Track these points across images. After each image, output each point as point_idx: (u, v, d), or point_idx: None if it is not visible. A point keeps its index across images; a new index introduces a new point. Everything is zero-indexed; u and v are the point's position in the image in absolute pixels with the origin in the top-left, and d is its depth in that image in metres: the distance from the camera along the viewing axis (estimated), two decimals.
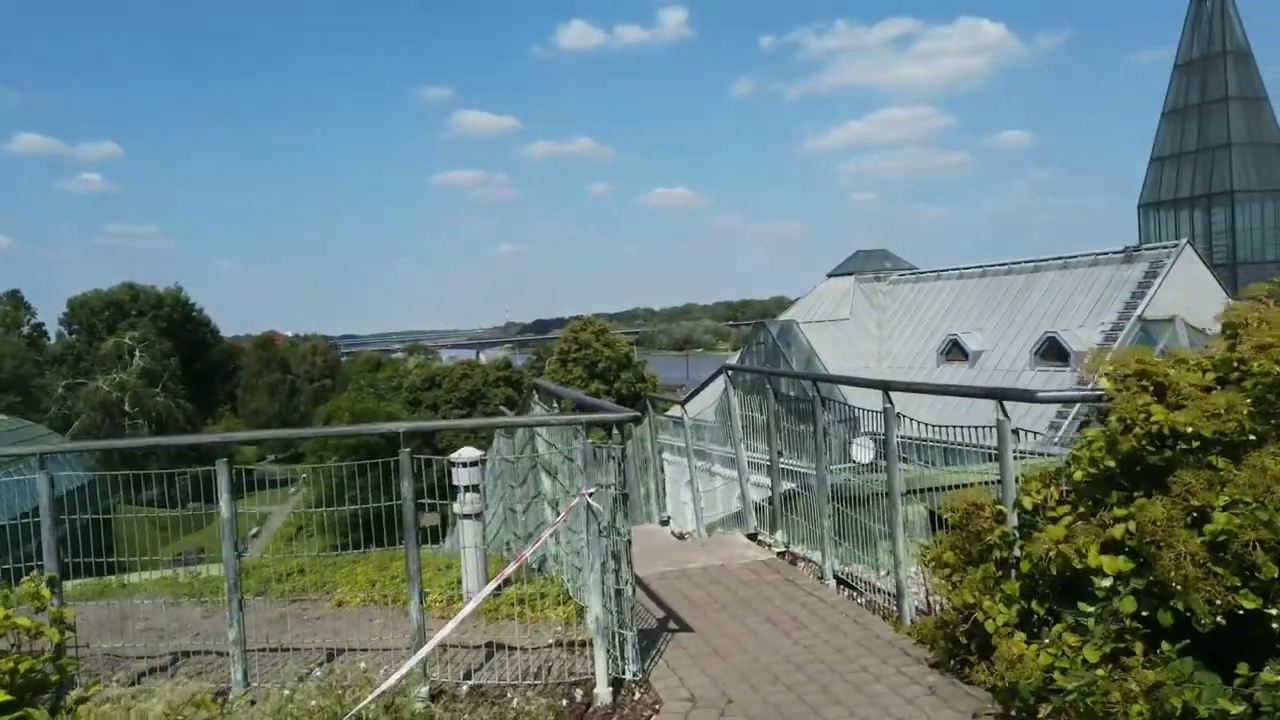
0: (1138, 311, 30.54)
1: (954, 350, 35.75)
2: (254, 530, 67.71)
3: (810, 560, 6.73)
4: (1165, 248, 32.44)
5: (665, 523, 9.24)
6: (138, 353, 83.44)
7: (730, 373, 7.69)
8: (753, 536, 7.36)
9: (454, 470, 6.46)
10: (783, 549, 7.02)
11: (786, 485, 7.32)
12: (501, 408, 40.86)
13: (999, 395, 4.96)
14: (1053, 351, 31.89)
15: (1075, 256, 35.09)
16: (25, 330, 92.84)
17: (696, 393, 9.47)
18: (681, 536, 8.70)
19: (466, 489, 6.20)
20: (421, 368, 75.70)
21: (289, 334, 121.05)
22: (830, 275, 43.67)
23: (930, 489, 6.01)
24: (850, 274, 42.33)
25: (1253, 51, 34.95)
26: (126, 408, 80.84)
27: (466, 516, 6.22)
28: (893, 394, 5.90)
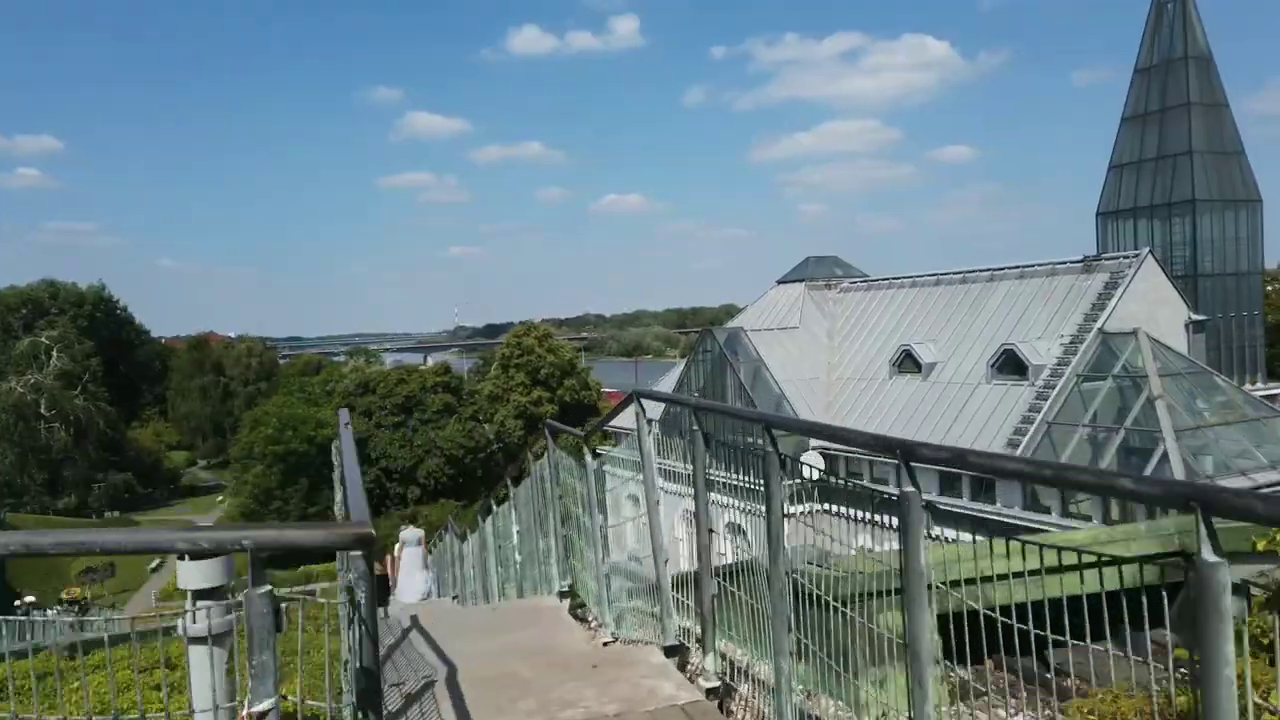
0: (1098, 324, 29.16)
1: (907, 361, 34.14)
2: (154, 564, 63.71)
3: (762, 692, 4.28)
4: (1126, 257, 31.16)
5: (565, 595, 7.06)
6: (55, 352, 79.04)
7: (640, 400, 5.43)
8: (674, 652, 5.01)
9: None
10: (716, 683, 4.56)
11: (730, 558, 5.13)
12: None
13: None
14: (1010, 364, 30.39)
15: (1033, 265, 33.74)
16: None
17: (602, 424, 6.69)
18: (586, 622, 6.50)
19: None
20: (356, 371, 72.51)
21: (231, 335, 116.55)
22: (780, 282, 41.95)
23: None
24: (800, 280, 40.64)
25: (1214, 57, 33.95)
26: (43, 410, 76.46)
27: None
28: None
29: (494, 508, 10.47)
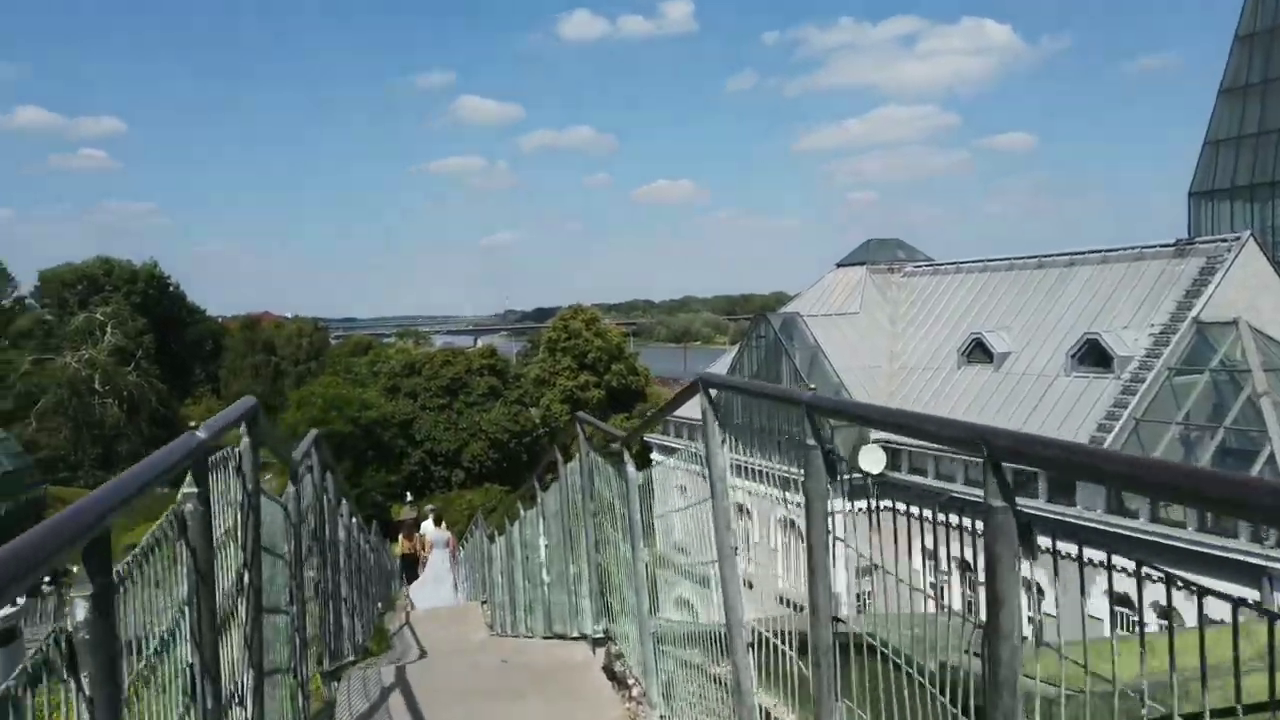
0: (1193, 312, 26.65)
1: (977, 350, 31.87)
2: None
3: None
4: (1223, 240, 28.52)
5: (600, 642, 5.39)
6: (109, 329, 79.71)
7: (713, 393, 3.46)
8: None
9: None
10: None
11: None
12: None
13: None
14: (1093, 355, 28.00)
15: (1117, 249, 31.20)
16: (6, 303, 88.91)
17: (655, 421, 4.78)
18: (626, 687, 4.84)
19: None
20: (402, 353, 71.78)
21: (287, 315, 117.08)
22: (840, 265, 39.79)
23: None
24: (861, 264, 38.43)
25: None
26: (97, 386, 77.21)
27: None
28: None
29: (521, 512, 8.83)
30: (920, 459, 30.48)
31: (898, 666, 2.42)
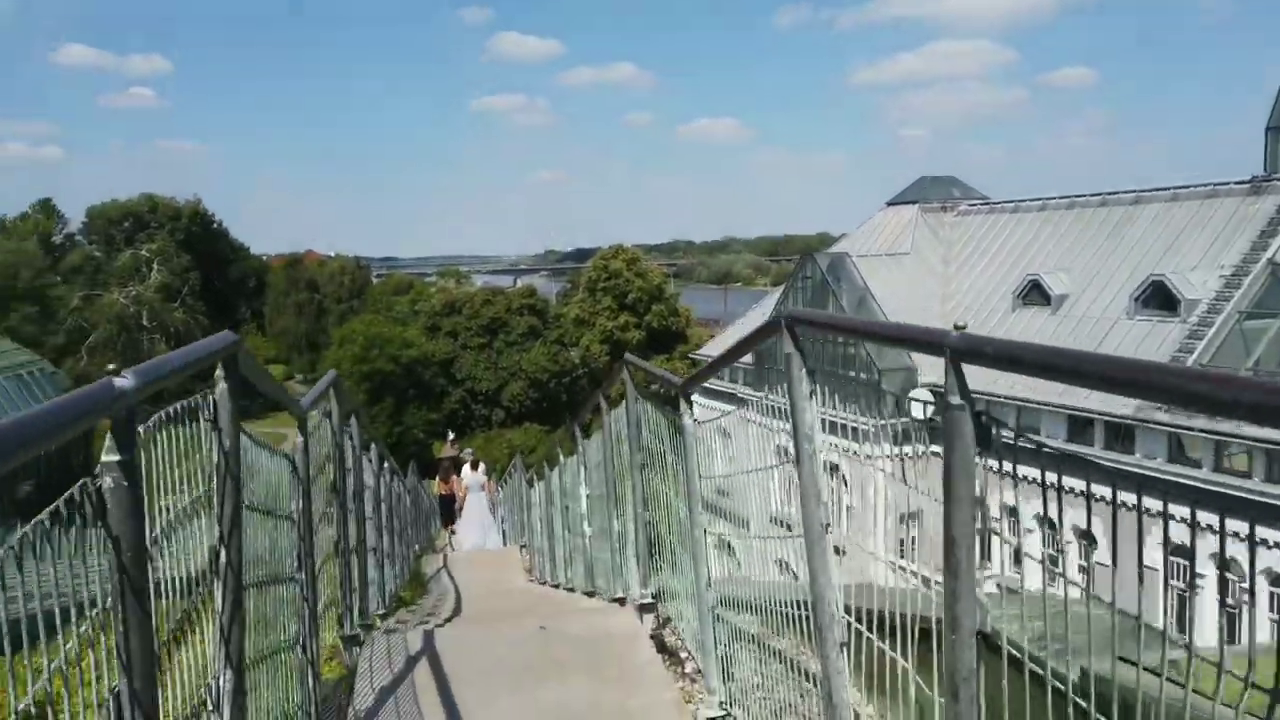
0: (1268, 253, 25.19)
1: (1034, 293, 30.66)
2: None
3: None
4: None
5: (648, 608, 4.85)
6: (155, 266, 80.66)
7: (796, 327, 2.77)
8: None
9: None
10: None
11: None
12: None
13: None
14: (1158, 297, 26.72)
15: (1188, 187, 29.59)
16: (57, 239, 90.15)
17: (723, 365, 3.92)
18: (678, 662, 4.31)
19: None
20: (443, 292, 71.66)
21: (329, 254, 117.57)
22: (890, 203, 38.42)
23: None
24: (913, 202, 37.04)
25: None
26: (144, 322, 78.39)
27: None
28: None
29: (560, 458, 8.29)
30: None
31: (1034, 675, 1.81)
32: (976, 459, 1.83)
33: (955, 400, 1.84)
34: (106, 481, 1.51)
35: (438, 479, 20.34)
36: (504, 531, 17.80)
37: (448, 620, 5.84)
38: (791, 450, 2.78)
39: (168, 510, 2.03)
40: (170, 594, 1.96)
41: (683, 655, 4.35)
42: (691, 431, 3.79)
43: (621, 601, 5.57)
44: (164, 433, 2.06)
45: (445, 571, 12.29)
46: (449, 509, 18.86)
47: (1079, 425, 26.98)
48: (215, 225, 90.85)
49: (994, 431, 1.82)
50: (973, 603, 1.78)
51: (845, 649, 2.41)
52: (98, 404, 1.45)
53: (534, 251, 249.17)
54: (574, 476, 7.53)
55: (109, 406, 1.48)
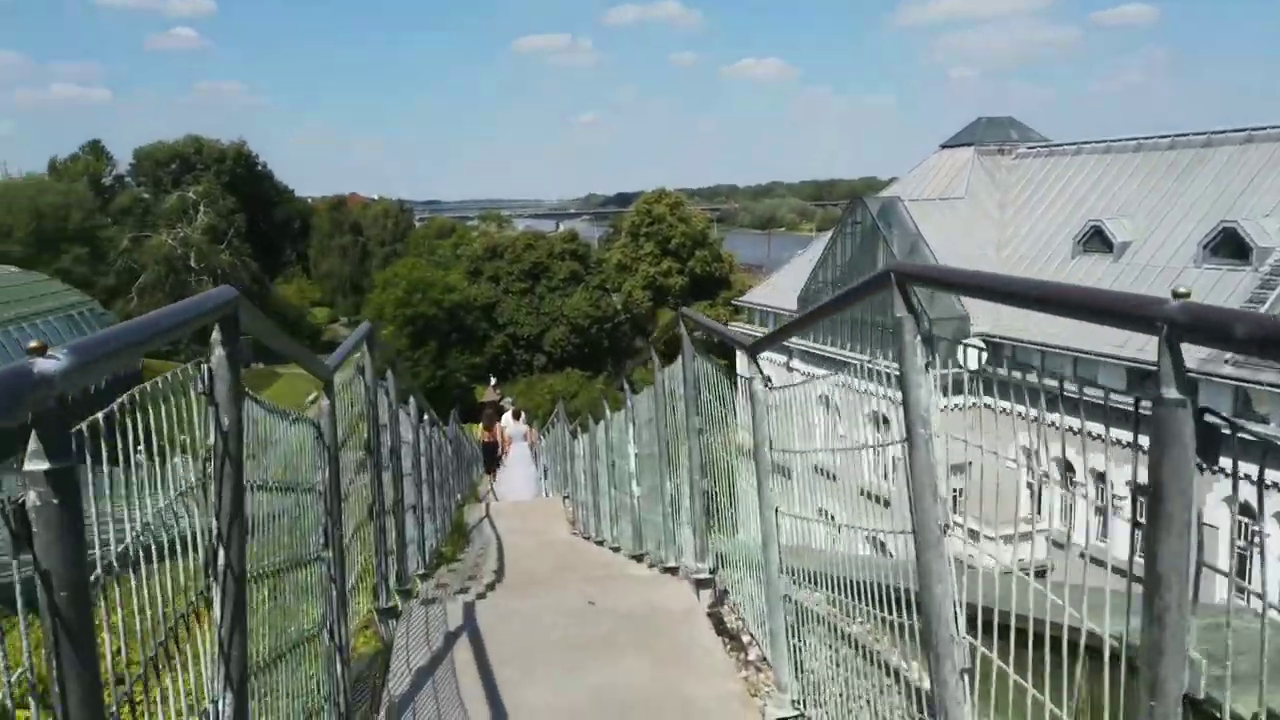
0: None
1: (1095, 239, 29.46)
2: (311, 395, 66.37)
3: None
4: None
5: (704, 583, 4.48)
6: (202, 208, 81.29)
7: (909, 284, 2.35)
8: None
9: None
10: None
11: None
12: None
13: None
14: (1228, 245, 25.49)
15: (1263, 129, 28.02)
16: (106, 181, 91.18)
17: (800, 328, 3.52)
18: (740, 647, 3.93)
19: None
20: (484, 236, 71.34)
21: (373, 197, 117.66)
22: (944, 146, 37.09)
23: None
24: (969, 145, 35.68)
25: None
26: (191, 264, 79.34)
27: None
28: None
29: (607, 412, 7.91)
30: (1025, 354, 28.71)
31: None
32: (1198, 471, 1.37)
33: (1170, 393, 1.37)
34: (31, 498, 1.12)
35: (481, 425, 20.21)
36: (546, 480, 17.64)
37: (490, 587, 5.54)
38: (890, 418, 2.34)
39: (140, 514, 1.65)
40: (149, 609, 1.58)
41: (745, 639, 3.97)
42: (762, 397, 3.34)
43: (674, 571, 5.21)
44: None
45: (488, 522, 12.09)
46: (492, 456, 18.76)
47: (1137, 377, 26.03)
48: (259, 167, 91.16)
49: (1220, 434, 1.35)
50: (1181, 660, 1.34)
51: (967, 676, 1.99)
52: (8, 395, 1.04)
53: (576, 195, 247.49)
54: (621, 433, 7.15)
55: (23, 400, 1.07)
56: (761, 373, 3.39)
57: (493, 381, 60.52)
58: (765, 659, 3.73)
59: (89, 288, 70.39)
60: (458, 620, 4.18)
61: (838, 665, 3.10)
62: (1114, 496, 25.10)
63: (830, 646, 3.15)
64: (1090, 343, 26.30)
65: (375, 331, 4.48)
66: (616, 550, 7.77)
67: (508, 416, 17.36)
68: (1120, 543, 21.00)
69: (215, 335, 2.00)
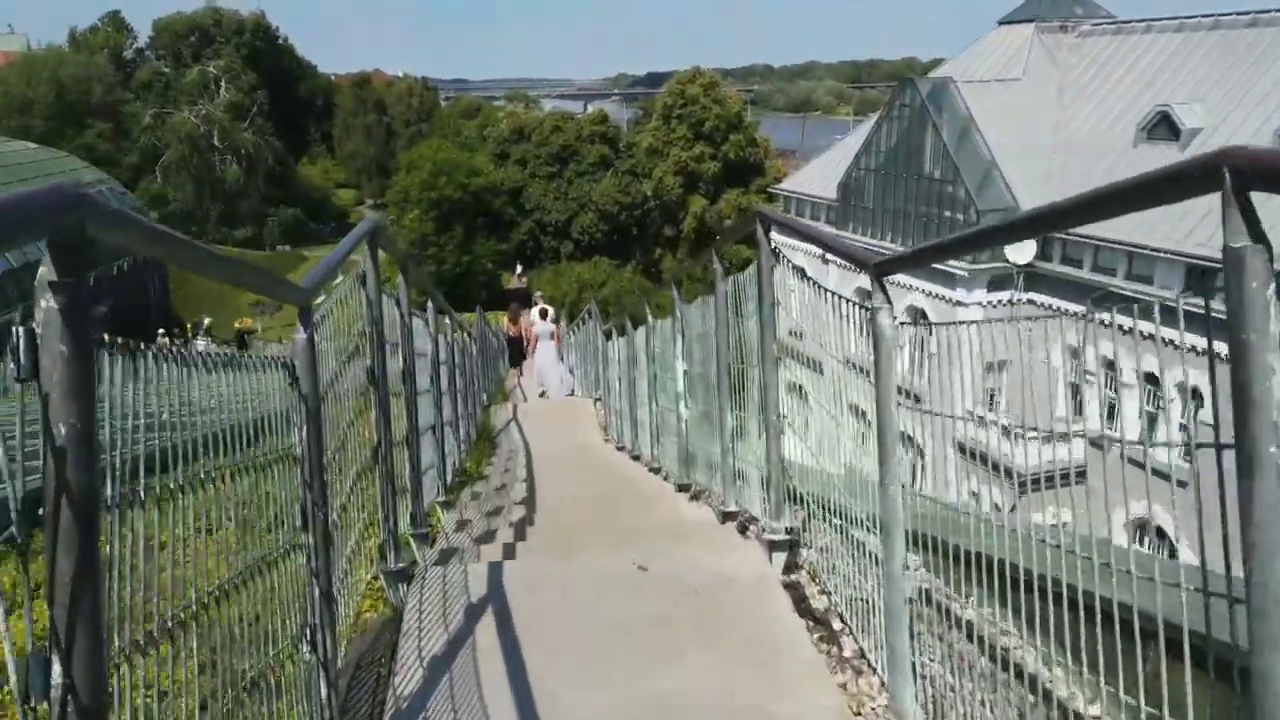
0: None
1: (1161, 126, 27.53)
2: (339, 279, 66.12)
3: None
4: None
5: (779, 545, 3.68)
6: (224, 83, 79.30)
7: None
8: None
9: None
10: None
11: None
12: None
13: None
14: None
15: None
16: (128, 54, 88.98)
17: (1011, 236, 2.40)
18: (829, 630, 3.16)
19: None
20: (511, 117, 69.11)
21: (399, 74, 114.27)
22: (1002, 22, 34.61)
23: None
24: (1029, 21, 33.23)
25: None
26: (215, 142, 77.99)
27: None
28: None
29: (649, 318, 7.04)
30: (1077, 248, 27.33)
31: None
32: None
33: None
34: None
35: (506, 319, 19.49)
36: (574, 377, 16.98)
37: (519, 530, 4.80)
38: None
39: None
40: None
41: (836, 627, 3.19)
42: (891, 335, 2.46)
43: (733, 517, 4.44)
44: None
45: (515, 426, 11.44)
46: (517, 350, 18.15)
47: (1196, 274, 24.63)
48: (280, 40, 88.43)
49: None
50: None
51: None
52: None
53: (606, 75, 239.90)
54: (667, 343, 6.30)
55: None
56: (890, 302, 2.49)
57: (518, 269, 59.74)
58: (865, 657, 2.95)
59: (114, 165, 69.55)
60: (480, 592, 3.44)
61: (987, 692, 2.32)
62: (1161, 399, 24.15)
63: (981, 671, 2.36)
64: (1151, 237, 24.86)
65: (380, 231, 3.59)
66: (657, 471, 7.05)
67: (535, 313, 16.59)
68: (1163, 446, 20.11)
69: (43, 272, 1.13)
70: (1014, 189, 28.98)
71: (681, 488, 5.69)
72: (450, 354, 6.89)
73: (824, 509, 3.34)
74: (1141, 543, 22.90)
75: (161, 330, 31.78)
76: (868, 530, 2.86)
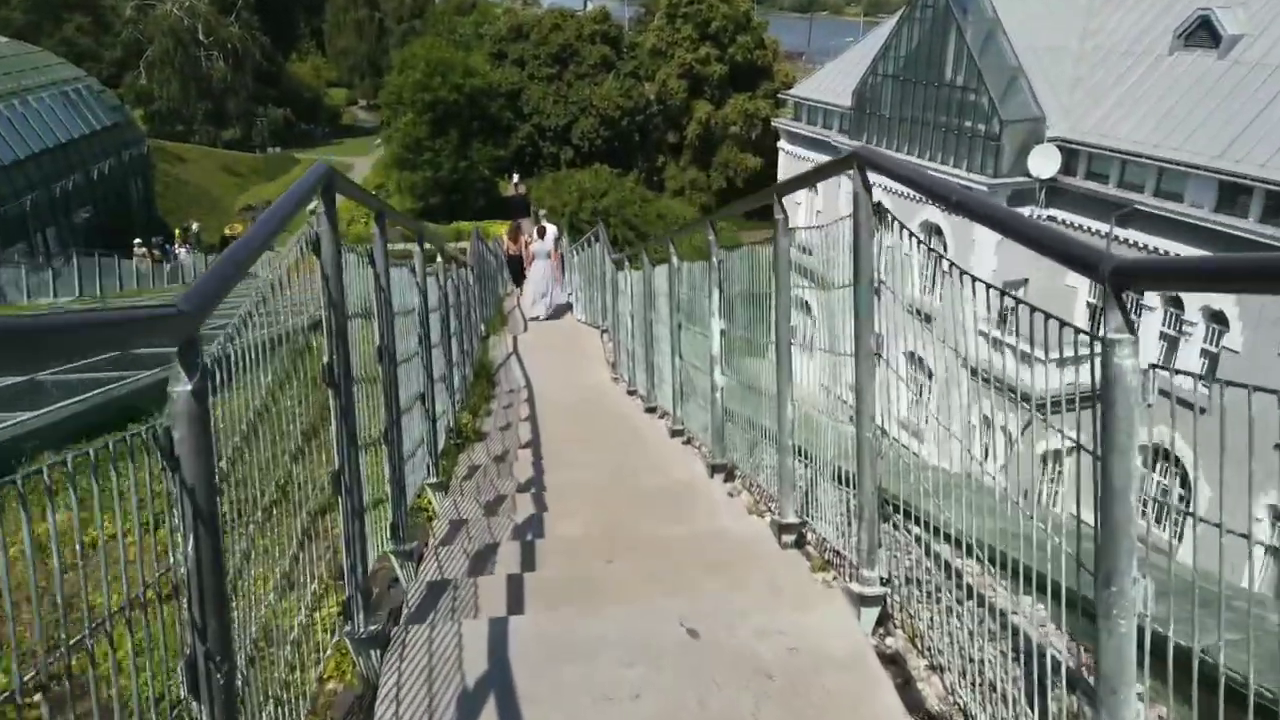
0: None
1: (1200, 31, 25.82)
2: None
3: None
4: None
5: (874, 599, 2.79)
6: None
7: None
8: None
9: None
10: None
11: None
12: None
13: None
14: None
15: None
16: None
17: None
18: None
19: None
20: (509, 14, 66.08)
21: None
22: None
23: None
24: None
25: None
26: (200, 36, 74.92)
27: None
28: None
29: (674, 258, 6.03)
30: (1103, 162, 26.03)
31: None
32: None
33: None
34: None
35: (505, 236, 18.43)
36: (575, 299, 16.08)
37: (526, 527, 3.91)
38: None
39: None
40: None
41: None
42: (1135, 385, 1.52)
43: (790, 530, 3.55)
44: None
45: (516, 361, 10.54)
46: (518, 269, 17.21)
47: (1229, 193, 23.37)
48: None
49: None
50: None
51: None
52: None
53: None
54: (698, 292, 5.32)
55: None
56: (1134, 332, 1.54)
57: (515, 178, 57.86)
58: None
59: (95, 61, 66.81)
60: (478, 662, 2.57)
61: None
62: (1185, 322, 23.26)
63: None
64: (1181, 151, 23.59)
65: (334, 180, 2.60)
66: (680, 434, 6.16)
67: (535, 232, 15.69)
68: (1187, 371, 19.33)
69: None
70: (1040, 98, 27.47)
71: (715, 469, 4.81)
72: (443, 298, 5.92)
73: (945, 557, 2.45)
74: (1158, 472, 22.33)
75: (138, 240, 30.43)
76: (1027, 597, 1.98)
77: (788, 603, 2.87)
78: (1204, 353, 23.03)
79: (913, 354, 2.75)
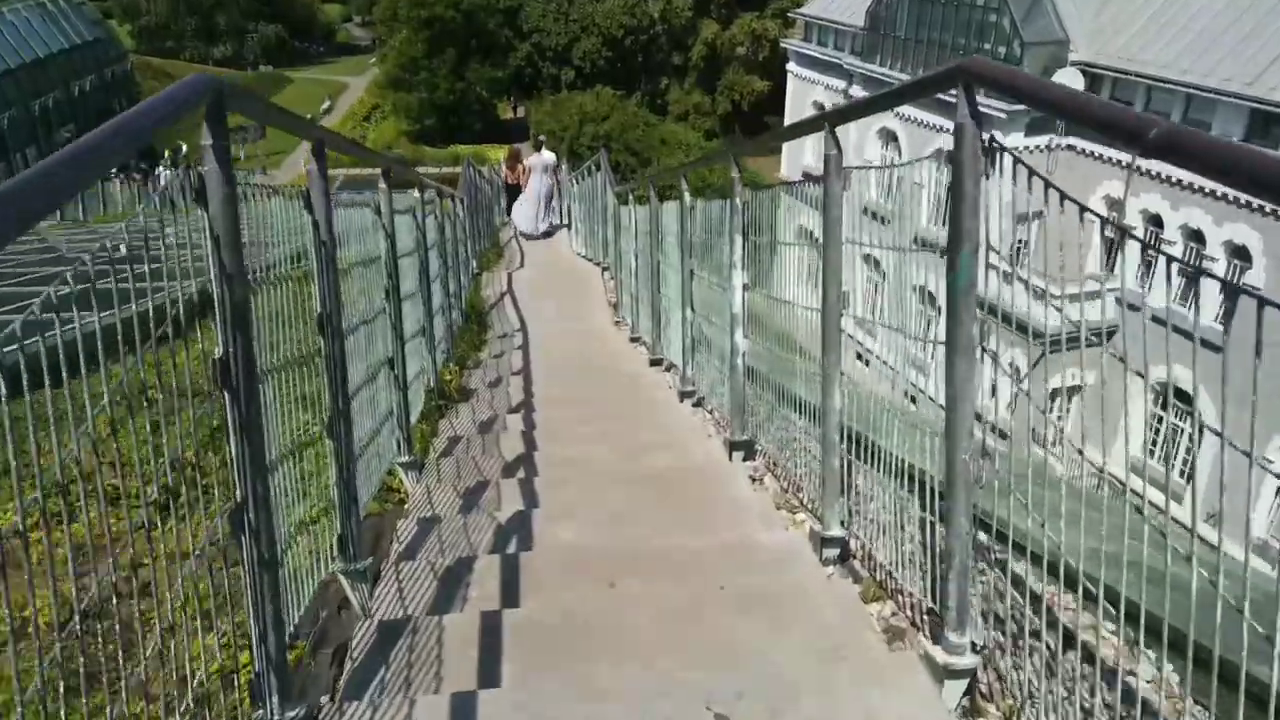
0: None
1: None
2: (326, 103, 62.08)
3: None
4: None
5: (961, 671, 2.11)
6: None
7: None
8: None
9: None
10: None
11: None
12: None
13: None
14: None
15: None
16: None
17: None
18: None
19: None
20: None
21: None
22: None
23: None
24: None
25: None
26: None
27: None
28: None
29: (686, 195, 5.22)
30: (1128, 88, 24.81)
31: None
32: None
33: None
34: None
35: (504, 165, 17.52)
36: (570, 228, 15.38)
37: (512, 529, 3.21)
38: None
39: None
40: None
41: None
42: None
43: (833, 544, 2.87)
44: None
45: (511, 302, 9.78)
46: (515, 197, 16.40)
47: (1260, 122, 22.24)
48: None
49: None
50: None
51: None
52: None
53: None
54: (716, 237, 4.54)
55: None
56: None
57: (511, 100, 55.99)
58: None
59: None
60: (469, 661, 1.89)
61: None
62: (1204, 256, 22.41)
63: None
64: (1209, 77, 22.40)
65: (223, 95, 1.83)
66: (690, 395, 5.44)
67: (531, 156, 14.97)
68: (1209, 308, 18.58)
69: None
70: (1064, 20, 26.09)
71: (735, 446, 4.10)
72: (439, 239, 5.12)
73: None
74: (1166, 410, 21.71)
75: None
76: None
77: (848, 673, 2.19)
78: (1224, 285, 22.24)
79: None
